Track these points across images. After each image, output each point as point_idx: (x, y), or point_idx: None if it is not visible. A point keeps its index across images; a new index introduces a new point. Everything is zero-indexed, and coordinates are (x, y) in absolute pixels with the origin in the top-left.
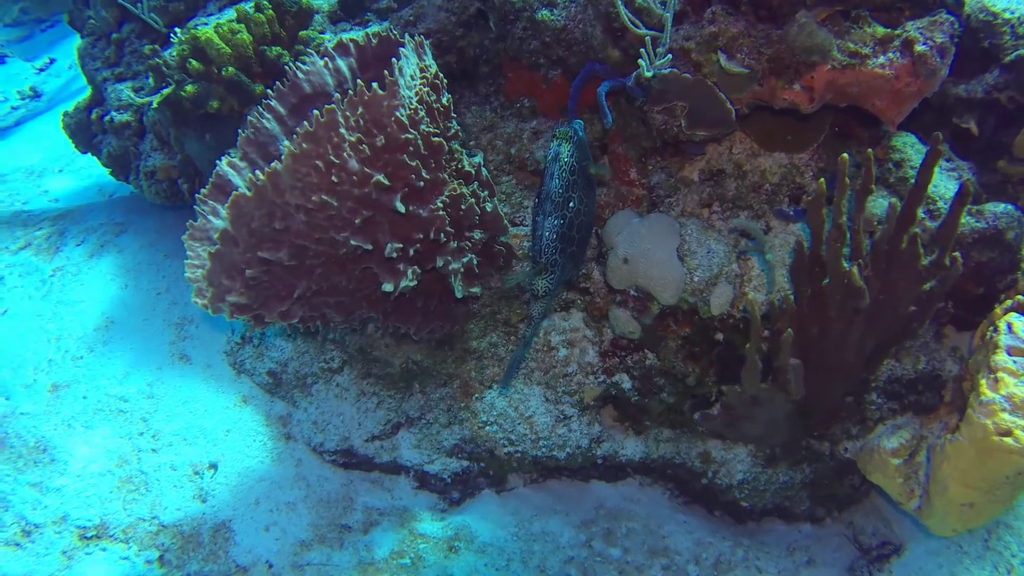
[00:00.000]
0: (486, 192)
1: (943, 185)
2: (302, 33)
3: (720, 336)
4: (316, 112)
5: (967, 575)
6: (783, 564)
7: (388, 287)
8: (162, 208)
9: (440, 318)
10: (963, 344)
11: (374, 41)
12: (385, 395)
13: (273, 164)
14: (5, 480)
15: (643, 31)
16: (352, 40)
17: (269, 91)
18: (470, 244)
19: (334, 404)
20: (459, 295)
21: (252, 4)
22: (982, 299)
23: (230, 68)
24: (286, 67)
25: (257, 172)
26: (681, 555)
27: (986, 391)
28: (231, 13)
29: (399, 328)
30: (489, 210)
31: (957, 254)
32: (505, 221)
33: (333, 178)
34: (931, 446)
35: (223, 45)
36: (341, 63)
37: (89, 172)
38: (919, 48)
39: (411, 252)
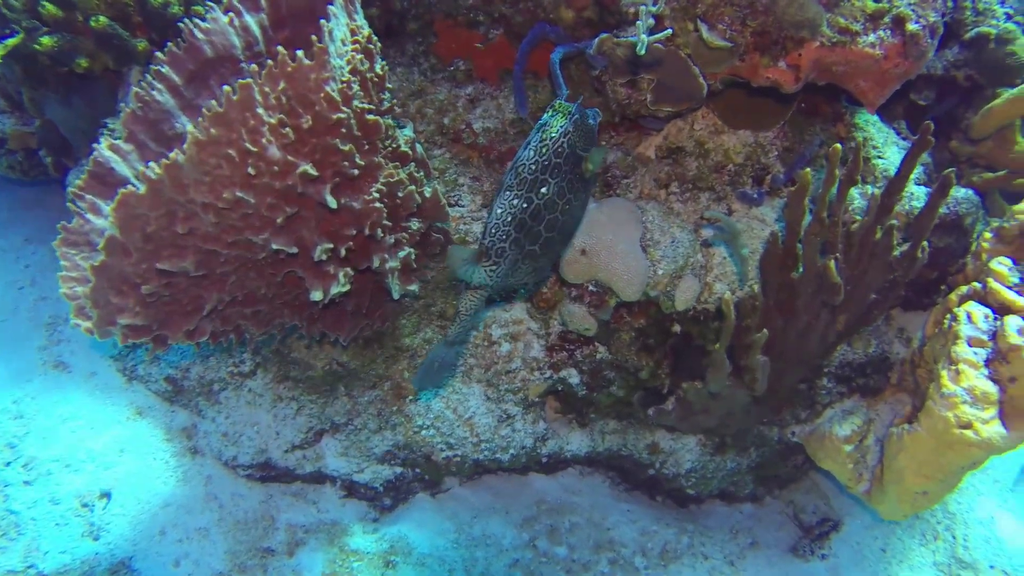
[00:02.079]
0: (423, 173)
1: (894, 161)
2: None
3: (677, 328)
4: (227, 88)
5: (900, 544)
6: (728, 548)
7: (317, 295)
8: (18, 183)
9: (371, 317)
10: (909, 325)
11: None
12: (306, 400)
13: (173, 154)
14: None
15: None
16: None
17: (158, 53)
18: (407, 236)
19: (247, 412)
20: (397, 296)
21: None
22: (933, 282)
23: (102, 17)
24: (180, 23)
25: (152, 164)
26: (627, 547)
27: (947, 383)
28: None
29: (327, 336)
30: (429, 195)
31: (925, 244)
32: (445, 206)
33: (249, 169)
34: (885, 435)
35: None
36: (250, 19)
37: None
38: (911, 27)
39: (342, 252)
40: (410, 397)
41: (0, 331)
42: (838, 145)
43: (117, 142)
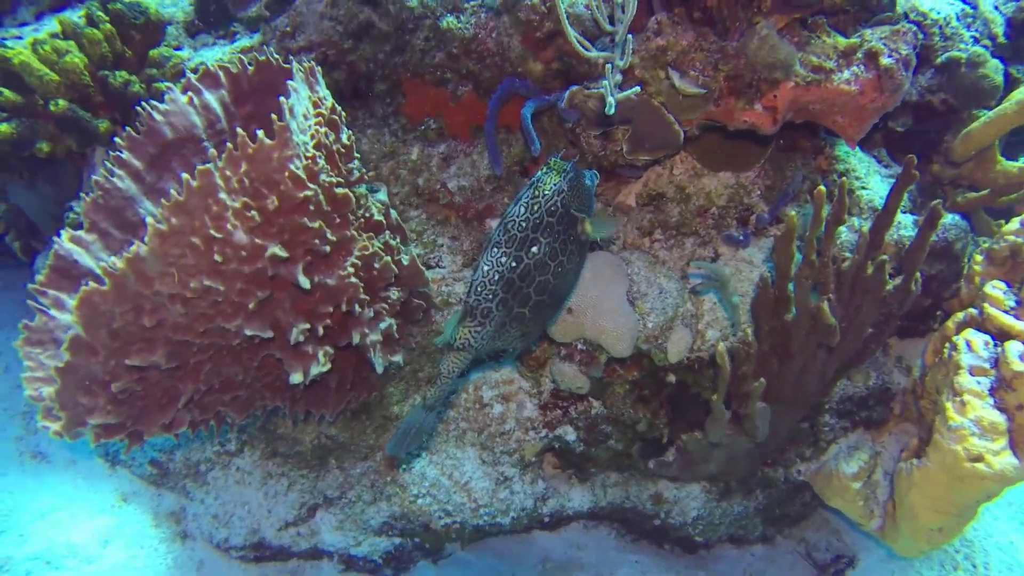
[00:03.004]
0: (398, 239)
1: (878, 191)
2: (153, 52)
3: (672, 378)
4: (186, 177)
5: None
6: None
7: (297, 378)
8: None
9: (357, 389)
10: (907, 353)
11: (251, 68)
12: (296, 475)
13: (134, 247)
14: None
15: (594, 53)
16: (222, 68)
17: (117, 139)
18: (387, 306)
19: (236, 491)
20: (380, 370)
21: (82, 13)
22: (928, 309)
23: (61, 102)
24: (140, 104)
25: (113, 259)
26: None
27: (953, 415)
28: (53, 25)
29: (311, 414)
30: (406, 263)
31: (918, 275)
32: (424, 272)
33: (216, 256)
34: (894, 469)
35: (46, 71)
36: (210, 97)
37: None
38: (885, 61)
39: (320, 331)
40: (403, 467)
41: None
42: (822, 187)
43: (79, 233)
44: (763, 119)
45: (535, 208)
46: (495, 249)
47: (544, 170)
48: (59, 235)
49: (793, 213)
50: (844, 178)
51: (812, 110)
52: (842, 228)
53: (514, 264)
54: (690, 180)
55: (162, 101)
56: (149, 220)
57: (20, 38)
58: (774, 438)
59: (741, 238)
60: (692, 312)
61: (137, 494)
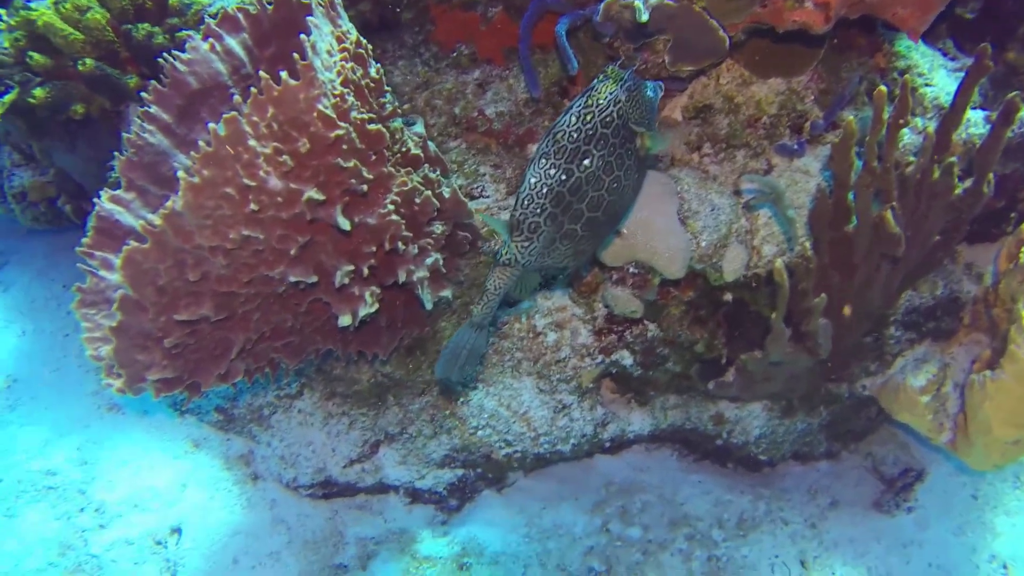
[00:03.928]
0: (438, 171)
1: (944, 87)
2: (173, 0)
3: (729, 296)
4: (213, 127)
5: (991, 490)
6: (808, 511)
7: (346, 320)
8: (46, 232)
9: (407, 326)
10: (978, 259)
11: (270, 7)
12: (356, 414)
13: (170, 202)
14: None
15: None
16: (241, 9)
17: (144, 94)
18: (432, 241)
19: (300, 433)
20: (429, 307)
21: None
22: (1000, 211)
23: (88, 61)
24: (162, 55)
25: (151, 216)
26: (703, 520)
27: None
28: None
29: (364, 354)
30: (448, 195)
31: (991, 176)
32: (467, 203)
33: (252, 205)
34: (965, 381)
35: (70, 30)
36: (232, 42)
37: None
38: None
39: (365, 271)
40: (461, 399)
41: (54, 380)
42: (882, 87)
43: (118, 192)
44: (815, 17)
45: (588, 118)
46: (543, 160)
47: (600, 78)
48: (99, 196)
49: (851, 117)
50: (906, 75)
51: (869, 3)
52: (905, 130)
53: (564, 177)
54: (738, 89)
55: (184, 51)
56: (181, 174)
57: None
58: (837, 353)
59: (795, 147)
60: (747, 228)
61: (207, 440)
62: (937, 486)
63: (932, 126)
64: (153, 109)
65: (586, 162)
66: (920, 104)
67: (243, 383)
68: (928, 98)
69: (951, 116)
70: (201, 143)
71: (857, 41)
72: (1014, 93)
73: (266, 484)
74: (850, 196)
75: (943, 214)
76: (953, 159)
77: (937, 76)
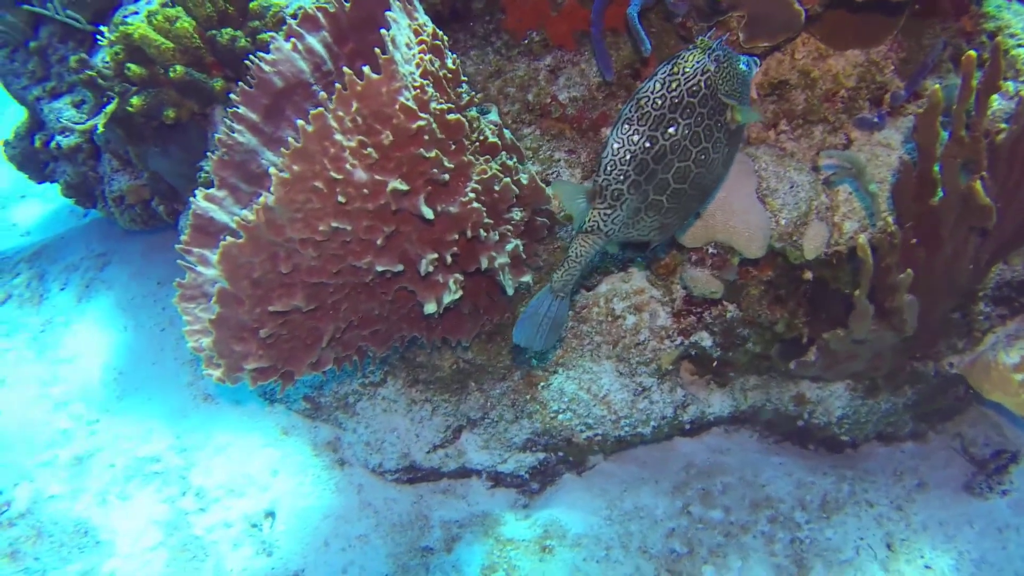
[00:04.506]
0: (515, 159)
1: None
2: (253, 4)
3: (809, 275)
4: (301, 123)
5: None
6: (893, 492)
7: (431, 307)
8: (142, 233)
9: (489, 313)
10: None
11: (347, 4)
12: (439, 400)
13: (262, 197)
14: (55, 574)
15: None
16: (320, 8)
17: (232, 95)
18: (512, 228)
19: (384, 419)
20: (511, 292)
21: None
22: None
23: (178, 67)
24: (248, 57)
25: (245, 212)
26: (785, 502)
27: None
28: None
29: (448, 341)
30: (525, 182)
31: None
32: (545, 189)
33: (340, 198)
34: None
35: (162, 39)
36: (313, 40)
37: (55, 191)
38: None
39: (448, 259)
40: (542, 383)
41: (154, 372)
42: (972, 52)
43: (211, 191)
44: None
45: (673, 85)
46: (626, 126)
47: (689, 48)
48: (194, 195)
49: (936, 86)
50: (997, 38)
51: None
52: (995, 96)
53: (648, 144)
54: (814, 63)
55: (268, 52)
56: (272, 170)
57: (136, 13)
58: (923, 330)
59: (876, 120)
60: (827, 204)
61: (295, 427)
62: None
63: None
64: (241, 109)
65: (671, 130)
66: (1012, 67)
67: (331, 371)
68: (1021, 60)
69: None
70: (290, 139)
71: (941, 5)
72: None
73: (353, 469)
74: (936, 168)
75: None
76: None
77: None
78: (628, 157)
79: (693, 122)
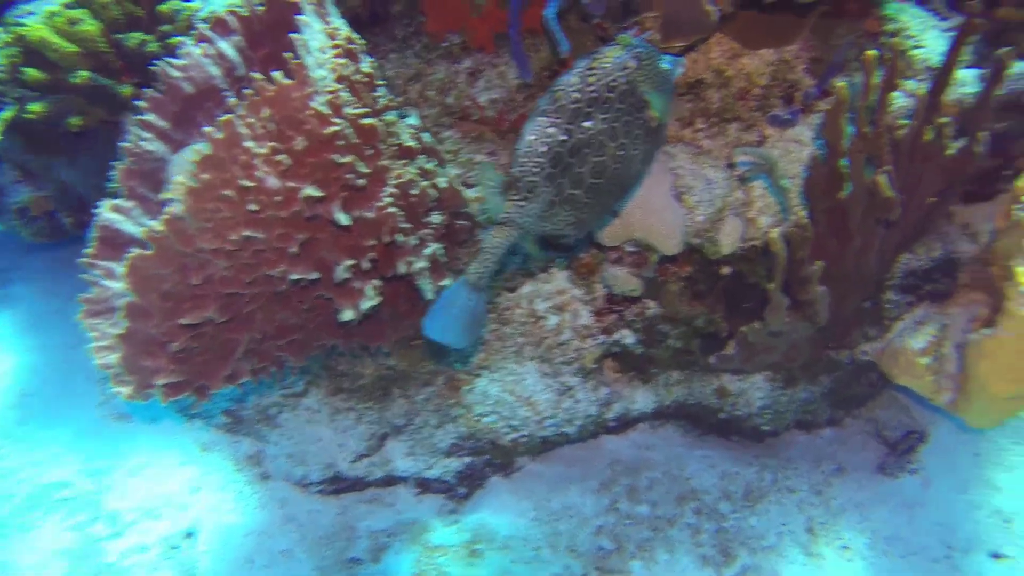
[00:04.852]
0: (434, 162)
1: (935, 48)
2: (163, 7)
3: (727, 269)
4: (209, 129)
5: (992, 446)
6: (814, 478)
7: (348, 315)
8: (48, 247)
9: (410, 317)
10: (973, 219)
11: (260, 8)
12: (363, 408)
13: (170, 207)
14: None
15: None
16: (232, 12)
17: (139, 102)
18: (431, 232)
19: (308, 430)
20: (431, 296)
21: None
22: (995, 169)
23: (83, 73)
24: (156, 62)
25: (153, 223)
26: (710, 494)
27: None
28: None
29: (368, 348)
30: (444, 186)
31: (981, 135)
32: (464, 193)
33: (251, 206)
34: (964, 341)
35: (64, 43)
36: (224, 45)
37: None
38: None
39: (365, 265)
40: (466, 387)
41: (63, 393)
42: (872, 51)
43: (118, 201)
44: None
45: (591, 80)
46: (542, 118)
47: (610, 45)
48: (99, 206)
49: (843, 84)
50: (895, 38)
51: None
52: (897, 94)
53: (563, 137)
54: (728, 62)
55: (177, 57)
56: (179, 178)
57: (33, 14)
58: (836, 321)
59: (788, 117)
60: (742, 200)
61: (216, 443)
62: (939, 446)
63: (923, 88)
64: (149, 116)
65: (587, 124)
66: (910, 67)
67: (250, 384)
68: (919, 60)
69: (941, 77)
70: (198, 146)
71: (848, 6)
72: (1003, 50)
73: (277, 483)
74: (843, 163)
75: (937, 176)
76: (945, 120)
77: (928, 37)
78: (543, 149)
79: (611, 117)
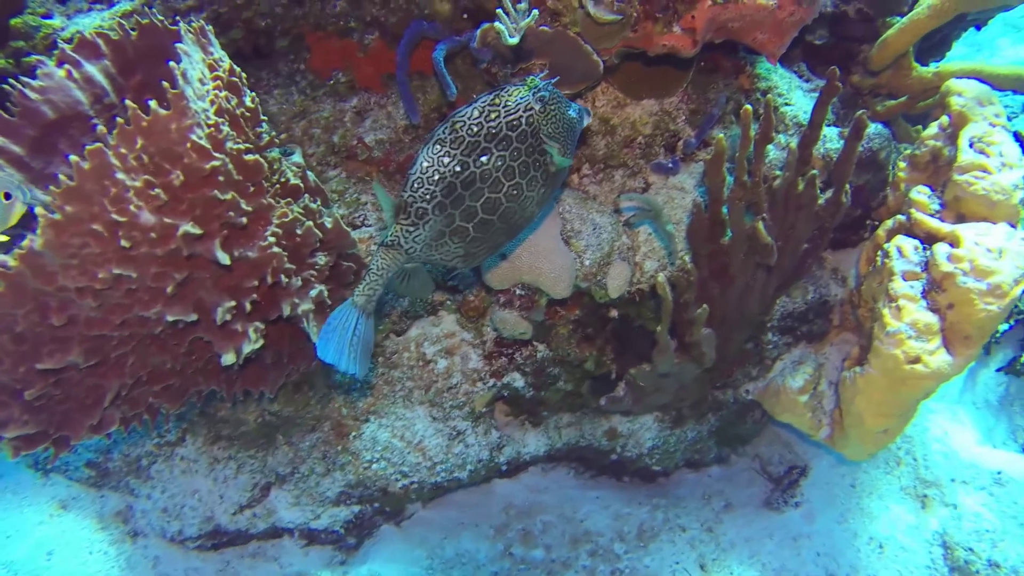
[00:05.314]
0: (319, 201)
1: (801, 106)
2: (16, 21)
3: (615, 313)
4: (75, 158)
5: (866, 477)
6: (703, 515)
7: (229, 358)
8: None
9: (294, 361)
10: (841, 264)
11: (134, 32)
12: (244, 457)
13: (26, 241)
14: None
15: None
16: (100, 35)
17: None
18: (316, 273)
19: (183, 481)
20: (316, 340)
21: None
22: (858, 219)
23: None
24: (8, 81)
25: (5, 258)
26: (604, 535)
27: (890, 321)
28: None
29: (250, 393)
30: (330, 225)
31: (847, 187)
32: (350, 233)
33: (123, 242)
34: (838, 379)
35: None
36: (92, 69)
37: None
38: None
39: (247, 306)
40: (353, 433)
41: None
42: (748, 107)
43: None
44: (683, 41)
45: (492, 116)
46: (437, 146)
47: (518, 84)
48: None
49: (721, 136)
50: (768, 95)
51: (731, 28)
52: (769, 146)
53: (458, 168)
54: (613, 111)
55: (37, 79)
56: (39, 211)
57: None
58: (721, 361)
59: (670, 165)
60: (628, 245)
61: (77, 499)
62: (820, 479)
63: (794, 142)
64: (2, 141)
65: (483, 159)
66: (781, 122)
67: (118, 433)
68: (788, 116)
69: (810, 132)
70: (62, 177)
71: (722, 64)
72: (861, 111)
73: (148, 540)
74: (724, 210)
75: (809, 223)
76: (814, 172)
77: (795, 96)
78: (436, 178)
79: (508, 155)
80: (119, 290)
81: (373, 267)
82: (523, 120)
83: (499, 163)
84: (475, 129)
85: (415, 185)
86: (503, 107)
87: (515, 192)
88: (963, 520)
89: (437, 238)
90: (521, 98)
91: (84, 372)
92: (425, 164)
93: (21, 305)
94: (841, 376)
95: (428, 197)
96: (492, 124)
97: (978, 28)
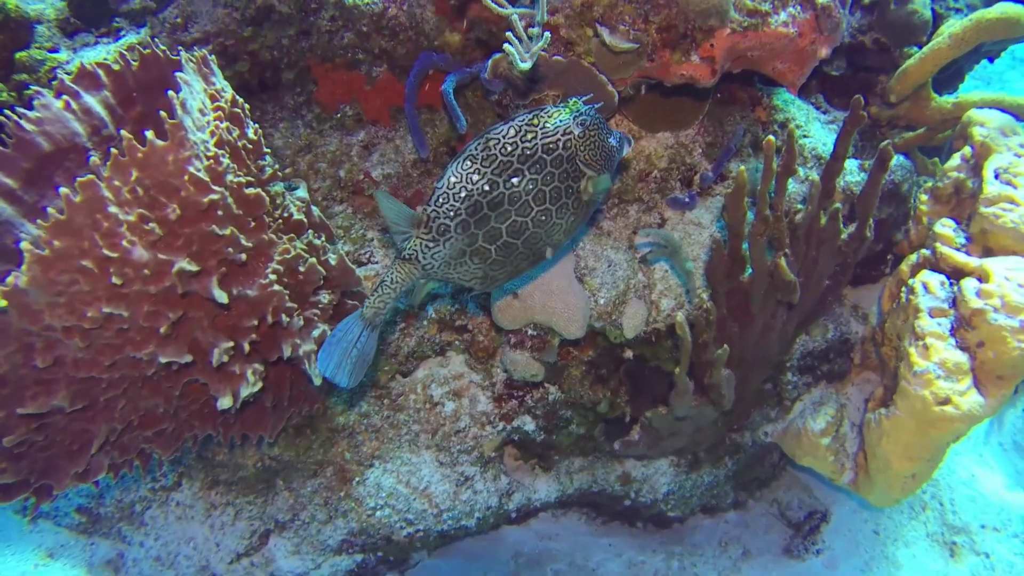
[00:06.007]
0: (323, 237)
1: (820, 138)
2: (21, 55)
3: (629, 353)
4: (65, 191)
5: (890, 523)
6: (720, 564)
7: (226, 402)
8: None
9: (295, 404)
10: (862, 300)
11: (135, 63)
12: (242, 503)
13: (11, 278)
14: None
15: (508, 9)
16: (101, 66)
17: None
18: (319, 312)
19: (178, 528)
20: (318, 383)
21: None
22: (879, 254)
23: None
24: (3, 112)
25: None
26: None
27: (918, 360)
28: None
29: (248, 438)
30: (334, 263)
31: (871, 221)
32: (355, 270)
33: (114, 279)
34: (862, 420)
35: None
36: (90, 100)
37: None
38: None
39: (246, 347)
40: (356, 478)
41: None
42: (771, 138)
43: None
44: (701, 71)
45: (529, 136)
46: (468, 162)
47: (561, 104)
48: None
49: (742, 168)
50: (790, 127)
51: (751, 57)
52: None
53: (487, 188)
54: None
55: (34, 110)
56: (25, 246)
57: None
58: (739, 403)
59: (687, 200)
60: (644, 283)
61: (65, 547)
62: (842, 526)
63: (815, 175)
64: None
65: (515, 180)
66: (800, 155)
67: (107, 480)
68: (807, 148)
69: (833, 164)
70: (51, 211)
71: (739, 95)
72: (886, 142)
73: None
74: (745, 246)
75: (831, 258)
76: (838, 205)
77: (813, 128)
78: (463, 195)
79: (541, 179)
80: (109, 330)
81: (387, 279)
82: (560, 144)
83: (530, 186)
84: (509, 148)
85: (440, 200)
86: (541, 128)
87: (543, 218)
88: (997, 571)
89: (457, 257)
90: (561, 121)
91: (70, 416)
92: (453, 179)
93: (3, 346)
94: (865, 418)
95: (452, 214)
96: (528, 145)
97: (991, 60)
